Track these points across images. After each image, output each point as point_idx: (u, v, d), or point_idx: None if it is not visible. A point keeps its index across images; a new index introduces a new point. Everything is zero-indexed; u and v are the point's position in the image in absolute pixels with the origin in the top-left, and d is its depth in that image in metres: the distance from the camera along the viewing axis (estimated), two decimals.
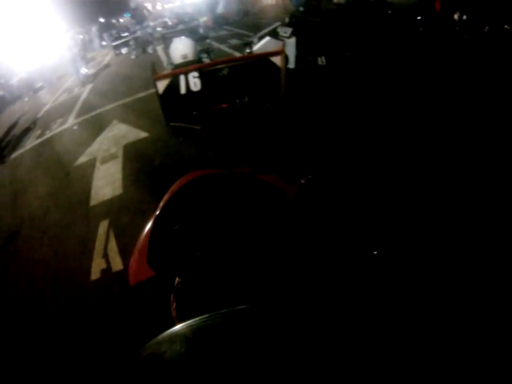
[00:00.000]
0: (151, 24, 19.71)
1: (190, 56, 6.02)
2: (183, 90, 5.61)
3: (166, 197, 2.22)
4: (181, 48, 6.07)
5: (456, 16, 9.56)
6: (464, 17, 9.41)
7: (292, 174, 2.66)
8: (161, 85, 5.54)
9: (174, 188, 2.26)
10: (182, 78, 5.55)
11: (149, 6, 26.71)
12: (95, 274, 3.76)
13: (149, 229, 2.15)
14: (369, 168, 4.04)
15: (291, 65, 8.00)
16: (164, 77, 5.58)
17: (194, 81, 5.61)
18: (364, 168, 4.07)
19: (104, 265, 3.83)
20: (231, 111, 5.82)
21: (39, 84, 15.86)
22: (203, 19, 18.14)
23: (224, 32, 16.93)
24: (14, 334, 3.34)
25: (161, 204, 2.19)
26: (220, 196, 2.11)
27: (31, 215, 5.35)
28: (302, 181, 2.59)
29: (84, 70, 13.80)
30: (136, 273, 2.13)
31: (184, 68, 5.65)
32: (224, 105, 5.84)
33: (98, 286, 3.60)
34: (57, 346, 3.04)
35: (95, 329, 3.08)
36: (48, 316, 3.46)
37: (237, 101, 5.88)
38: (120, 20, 26.92)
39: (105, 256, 3.95)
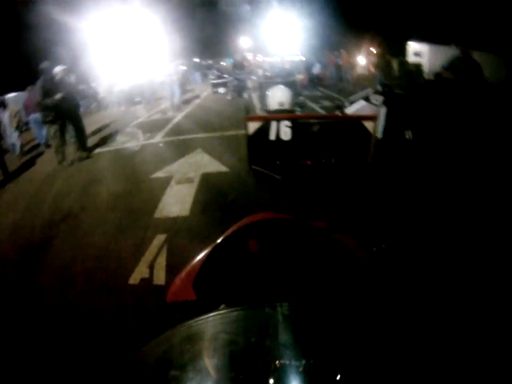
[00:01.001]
0: (252, 72, 20.41)
1: (286, 105, 5.97)
2: (272, 136, 5.51)
3: (230, 230, 2.10)
4: (279, 95, 6.04)
5: None
6: None
7: (365, 239, 2.53)
8: (252, 126, 5.47)
9: (242, 222, 2.15)
10: (273, 124, 5.47)
11: (250, 56, 27.89)
12: (134, 279, 3.68)
13: (205, 254, 2.04)
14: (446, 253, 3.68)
15: (379, 134, 7.84)
16: (257, 119, 5.54)
17: (285, 130, 5.50)
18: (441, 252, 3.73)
19: (146, 275, 3.73)
20: (314, 169, 5.70)
21: (137, 99, 16.98)
22: (299, 76, 18.60)
23: (318, 93, 17.23)
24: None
25: (224, 235, 2.09)
26: (288, 244, 1.98)
27: (95, 205, 5.53)
28: (374, 249, 2.42)
29: (178, 97, 14.88)
30: (176, 292, 2.03)
31: (278, 114, 5.62)
32: (308, 162, 5.70)
33: (133, 292, 3.51)
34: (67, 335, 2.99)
35: (112, 329, 3.00)
36: (71, 302, 3.46)
37: (323, 160, 5.74)
38: (222, 63, 28.39)
39: (151, 267, 3.85)
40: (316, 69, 21.46)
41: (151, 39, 20.05)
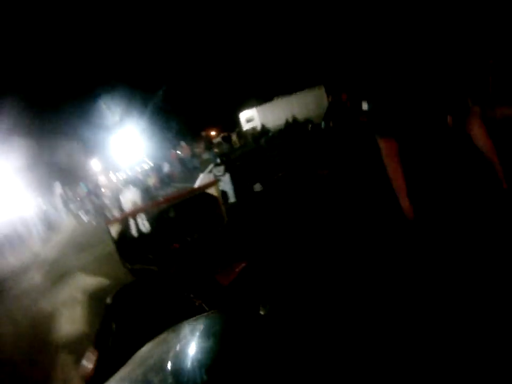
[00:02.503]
0: (107, 194, 20.35)
1: (139, 202, 6.33)
2: (134, 232, 5.74)
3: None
4: (130, 196, 6.40)
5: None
6: None
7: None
8: (113, 229, 5.66)
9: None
10: (131, 221, 5.74)
11: (102, 178, 27.90)
12: None
13: None
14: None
15: (232, 199, 8.68)
16: (115, 221, 5.72)
17: (143, 223, 5.78)
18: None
19: None
20: (183, 249, 5.74)
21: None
22: (150, 180, 19.17)
23: (172, 189, 17.98)
24: None
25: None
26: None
27: None
28: (237, 270, 2.86)
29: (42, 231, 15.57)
30: None
31: (132, 210, 5.88)
32: (176, 245, 5.74)
33: None
34: None
35: None
36: None
37: (188, 238, 5.83)
38: (77, 190, 27.97)
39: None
40: (166, 169, 22.30)
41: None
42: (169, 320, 1.94)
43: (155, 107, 33.63)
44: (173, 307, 2.21)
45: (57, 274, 8.95)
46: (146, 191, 15.76)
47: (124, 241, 5.68)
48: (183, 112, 36.35)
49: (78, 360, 3.94)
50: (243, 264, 3.01)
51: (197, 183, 8.79)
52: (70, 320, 5.59)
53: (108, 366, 2.01)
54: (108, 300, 2.39)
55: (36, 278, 9.36)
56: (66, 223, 19.54)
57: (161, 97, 34.39)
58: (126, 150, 30.44)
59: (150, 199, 8.80)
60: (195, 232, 5.87)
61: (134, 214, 5.73)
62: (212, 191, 6.00)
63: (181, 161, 23.88)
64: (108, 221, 5.70)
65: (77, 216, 18.66)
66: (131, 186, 7.17)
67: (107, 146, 32.17)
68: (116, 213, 15.42)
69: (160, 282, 2.69)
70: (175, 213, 5.91)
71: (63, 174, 30.96)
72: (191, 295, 2.31)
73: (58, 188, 22.82)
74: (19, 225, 17.44)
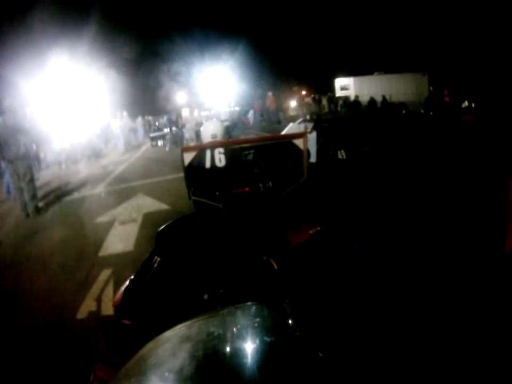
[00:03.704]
0: (187, 126, 20.52)
1: (219, 137, 5.98)
2: (208, 164, 5.48)
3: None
4: (212, 128, 6.03)
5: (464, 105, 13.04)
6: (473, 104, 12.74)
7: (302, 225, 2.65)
8: (188, 157, 5.45)
9: None
10: (208, 152, 5.46)
11: (185, 112, 28.24)
12: (81, 313, 3.50)
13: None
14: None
15: (312, 159, 8.12)
16: (192, 149, 5.49)
17: (219, 157, 5.49)
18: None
19: (94, 308, 3.57)
20: (253, 195, 5.70)
21: (78, 157, 16.16)
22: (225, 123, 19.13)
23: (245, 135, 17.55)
24: None
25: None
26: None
27: (38, 252, 5.33)
28: (311, 232, 2.47)
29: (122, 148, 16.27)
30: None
31: (211, 142, 5.63)
32: (246, 189, 5.68)
33: (80, 324, 3.33)
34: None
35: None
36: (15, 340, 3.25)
37: (260, 185, 5.75)
38: (160, 120, 28.58)
39: (98, 300, 3.69)
40: (250, 115, 22.36)
41: (91, 96, 19.81)
42: (223, 270, 1.78)
43: (251, 53, 33.09)
44: (232, 256, 1.89)
45: (119, 189, 9.07)
46: (227, 128, 15.72)
47: (195, 172, 5.47)
48: (278, 64, 35.51)
49: (118, 282, 3.97)
50: (318, 228, 2.65)
51: (285, 130, 8.33)
52: (120, 238, 5.44)
53: (138, 299, 1.88)
54: (161, 229, 2.16)
55: (97, 189, 9.44)
56: (142, 144, 20.06)
57: (257, 44, 33.68)
58: (214, 90, 30.48)
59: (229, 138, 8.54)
60: (270, 180, 5.75)
61: (212, 146, 5.45)
62: (299, 142, 5.69)
63: (265, 112, 23.53)
64: (184, 148, 5.42)
65: (152, 139, 18.94)
66: (214, 119, 6.77)
67: (197, 83, 32.31)
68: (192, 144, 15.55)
69: (224, 223, 2.40)
70: (254, 156, 5.69)
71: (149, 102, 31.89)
72: (257, 247, 1.98)
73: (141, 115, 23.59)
74: (101, 139, 18.03)
